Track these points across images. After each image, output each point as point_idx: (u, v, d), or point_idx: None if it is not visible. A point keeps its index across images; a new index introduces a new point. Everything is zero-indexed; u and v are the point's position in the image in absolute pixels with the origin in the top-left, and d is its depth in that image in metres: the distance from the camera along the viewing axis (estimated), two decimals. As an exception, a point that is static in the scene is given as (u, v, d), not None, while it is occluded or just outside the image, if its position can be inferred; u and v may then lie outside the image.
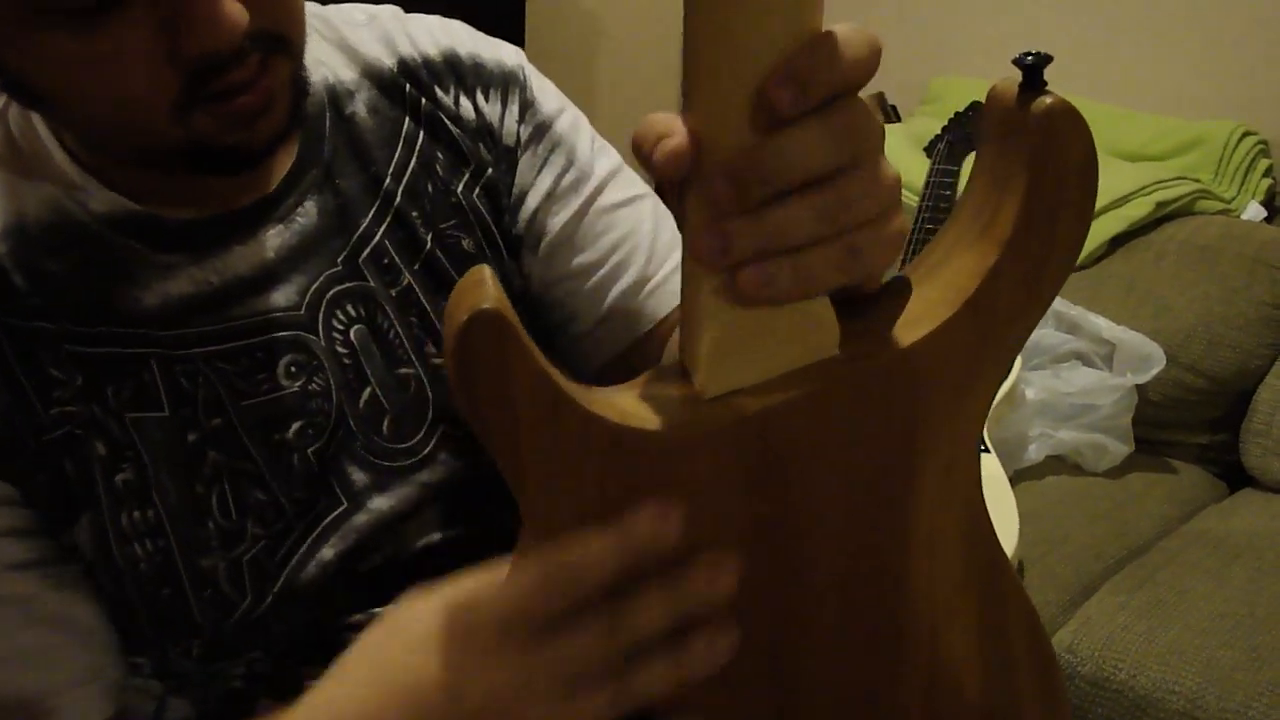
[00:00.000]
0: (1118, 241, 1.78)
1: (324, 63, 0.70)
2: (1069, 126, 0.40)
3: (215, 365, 0.63)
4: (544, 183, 0.74)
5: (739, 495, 0.43)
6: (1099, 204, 1.74)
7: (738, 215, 0.40)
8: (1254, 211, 1.83)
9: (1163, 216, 1.79)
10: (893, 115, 2.17)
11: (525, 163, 0.74)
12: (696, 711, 0.46)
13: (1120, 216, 1.77)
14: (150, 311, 0.62)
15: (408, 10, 0.75)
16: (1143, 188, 1.79)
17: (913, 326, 0.43)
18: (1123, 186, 1.79)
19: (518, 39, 3.07)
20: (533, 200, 0.74)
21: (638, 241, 0.76)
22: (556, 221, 0.74)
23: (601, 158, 0.77)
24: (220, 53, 0.53)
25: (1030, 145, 0.40)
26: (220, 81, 0.54)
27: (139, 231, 0.62)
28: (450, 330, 0.40)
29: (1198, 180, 1.84)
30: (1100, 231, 1.77)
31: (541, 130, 0.74)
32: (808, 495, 0.44)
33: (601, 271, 0.75)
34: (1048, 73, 0.41)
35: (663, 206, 0.79)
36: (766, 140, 0.38)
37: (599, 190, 0.75)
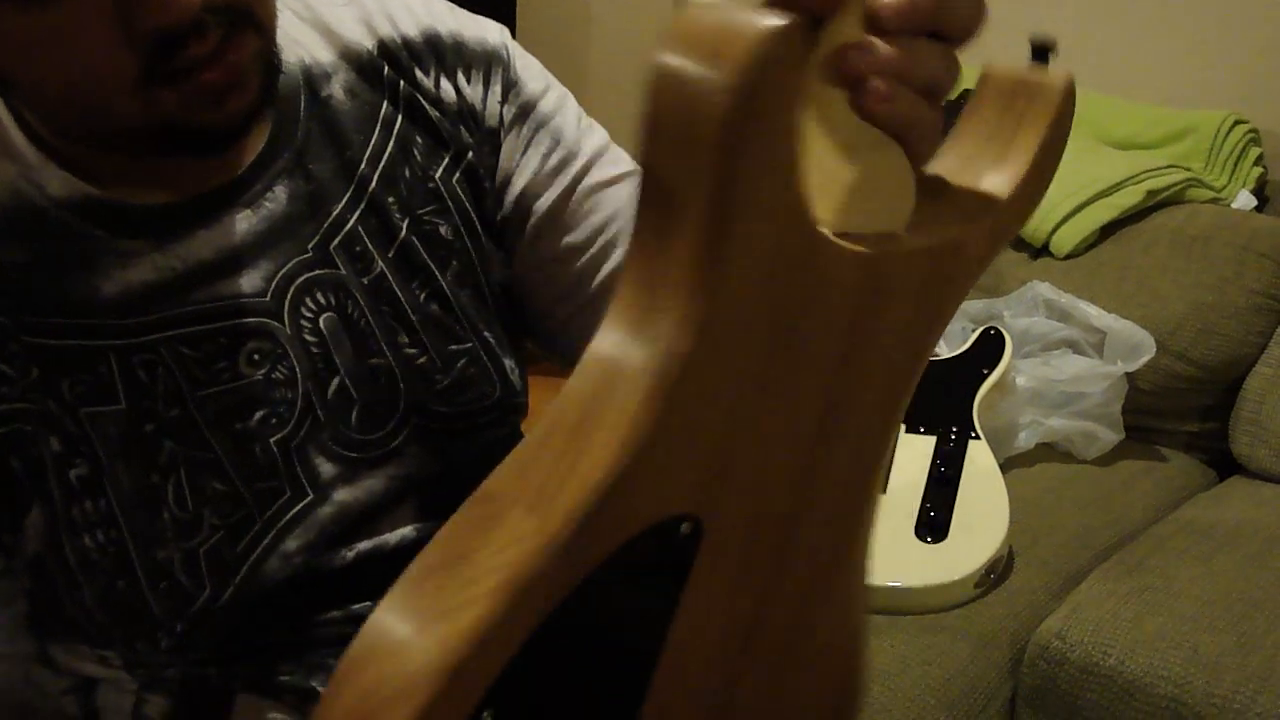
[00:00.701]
0: (1108, 230, 1.78)
1: (300, 43, 0.68)
2: (1073, 93, 0.49)
3: (176, 349, 0.61)
4: (530, 164, 0.72)
5: (842, 327, 0.44)
6: (1090, 192, 1.77)
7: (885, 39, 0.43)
8: (1244, 200, 1.83)
9: (1153, 205, 1.79)
10: (885, 103, 2.16)
11: (509, 144, 0.72)
12: (733, 491, 0.43)
13: (1111, 205, 1.77)
14: (109, 301, 0.60)
15: None
16: (1133, 176, 1.79)
17: (961, 219, 0.47)
18: (1113, 175, 1.79)
19: (509, 25, 3.06)
20: (519, 182, 0.72)
21: (626, 221, 0.74)
22: (544, 202, 0.72)
23: (589, 135, 0.75)
24: (176, 26, 0.52)
25: (1049, 106, 0.49)
26: (180, 57, 0.53)
27: (99, 217, 0.60)
28: (739, 43, 0.34)
29: (1188, 169, 1.84)
30: (1091, 220, 1.77)
31: (526, 110, 0.73)
32: (875, 346, 0.46)
33: (590, 252, 0.74)
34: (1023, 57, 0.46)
35: None
36: None
37: (586, 169, 0.74)
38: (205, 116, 0.56)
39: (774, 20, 0.35)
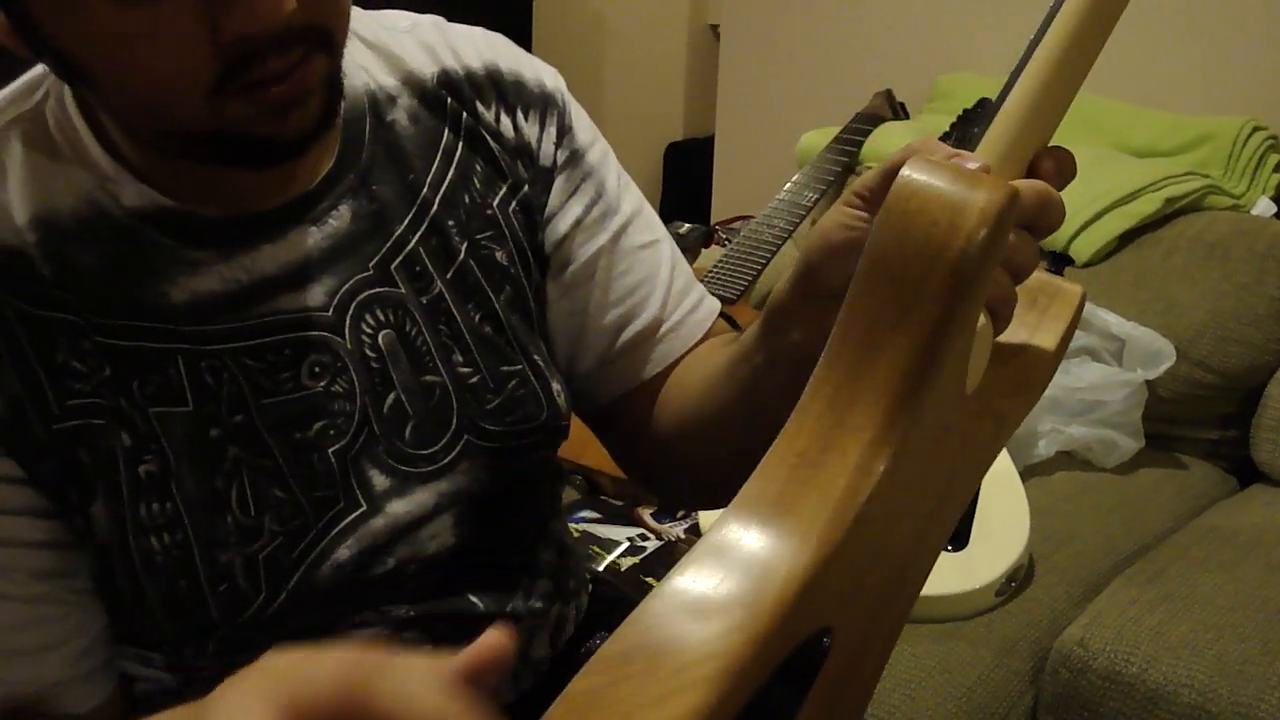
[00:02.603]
0: (1127, 238, 1.78)
1: (366, 69, 0.70)
2: (1085, 299, 0.57)
3: (241, 361, 0.63)
4: (573, 210, 0.75)
5: (950, 461, 0.49)
6: (1108, 200, 1.77)
7: None
8: (1264, 207, 1.83)
9: (1172, 212, 1.79)
10: (901, 112, 2.17)
11: (559, 185, 0.75)
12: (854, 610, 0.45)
13: (1129, 213, 1.77)
14: (178, 307, 0.62)
15: (419, 13, 0.75)
16: (1152, 183, 1.79)
17: (1006, 392, 0.54)
18: (1132, 182, 1.79)
19: (524, 39, 3.08)
20: (561, 225, 0.75)
21: (654, 286, 0.77)
22: (582, 253, 0.75)
23: (627, 194, 0.78)
24: (261, 37, 0.53)
25: (1067, 308, 0.56)
26: (258, 70, 0.54)
27: (170, 227, 0.62)
28: (996, 197, 0.41)
29: (1207, 176, 1.83)
30: (1110, 228, 1.77)
31: (576, 158, 0.75)
32: (959, 482, 0.51)
33: (618, 311, 0.76)
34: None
35: (678, 251, 0.81)
36: (1046, 187, 0.51)
37: (624, 229, 0.76)
38: (266, 129, 0.57)
39: (1002, 192, 0.41)
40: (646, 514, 1.49)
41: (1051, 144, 0.54)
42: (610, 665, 0.36)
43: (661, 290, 0.77)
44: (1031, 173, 0.53)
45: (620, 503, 1.53)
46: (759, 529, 0.39)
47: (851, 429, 0.41)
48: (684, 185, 3.20)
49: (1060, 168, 0.53)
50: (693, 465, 0.75)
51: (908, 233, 0.40)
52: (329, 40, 0.58)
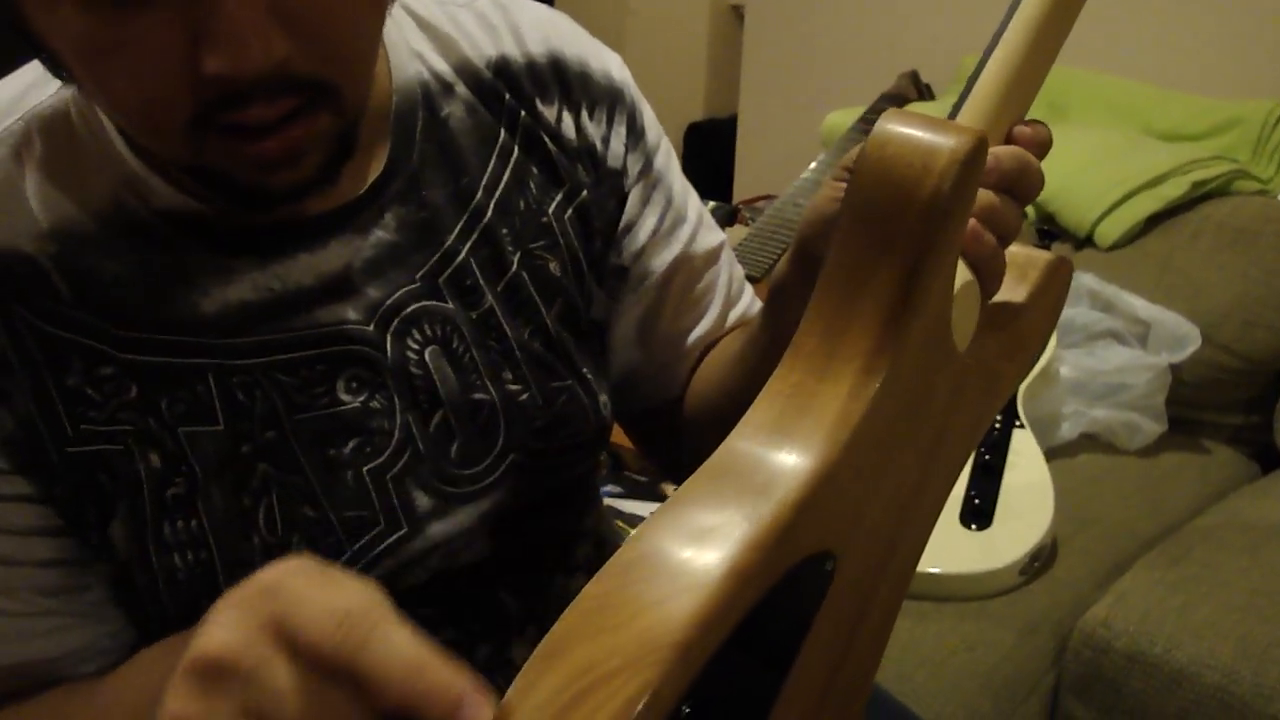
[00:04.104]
0: (1154, 221, 1.77)
1: (420, 54, 0.66)
2: (1071, 270, 0.60)
3: (273, 377, 0.60)
4: (649, 222, 0.73)
5: (939, 412, 0.51)
6: (1135, 184, 1.76)
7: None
8: (1291, 192, 1.82)
9: (1199, 196, 1.78)
10: (926, 93, 2.16)
11: (635, 195, 0.72)
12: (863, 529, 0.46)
13: (1156, 196, 1.76)
14: (208, 318, 0.59)
15: None
16: (1179, 167, 1.78)
17: (999, 356, 0.57)
18: (1159, 166, 1.78)
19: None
20: (640, 237, 0.73)
21: (717, 292, 0.77)
22: (657, 264, 0.74)
23: (689, 198, 0.77)
24: (239, 80, 0.48)
25: (1056, 279, 0.59)
26: (239, 114, 0.49)
27: (202, 232, 0.59)
28: (966, 139, 0.43)
29: (1235, 160, 1.82)
30: (1136, 211, 1.76)
31: (649, 165, 0.73)
32: (951, 437, 0.53)
33: (685, 320, 0.76)
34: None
35: (730, 251, 0.81)
36: (1024, 152, 0.54)
37: (693, 237, 0.76)
38: (251, 181, 0.53)
39: (971, 135, 0.43)
40: (670, 489, 1.50)
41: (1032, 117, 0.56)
42: (618, 573, 0.38)
43: (722, 296, 0.77)
44: (1009, 143, 0.55)
45: (645, 479, 1.54)
46: (759, 450, 0.42)
47: (842, 359, 0.44)
48: (703, 165, 3.20)
49: (1037, 138, 0.55)
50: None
51: (885, 177, 0.43)
52: (334, 97, 0.52)
